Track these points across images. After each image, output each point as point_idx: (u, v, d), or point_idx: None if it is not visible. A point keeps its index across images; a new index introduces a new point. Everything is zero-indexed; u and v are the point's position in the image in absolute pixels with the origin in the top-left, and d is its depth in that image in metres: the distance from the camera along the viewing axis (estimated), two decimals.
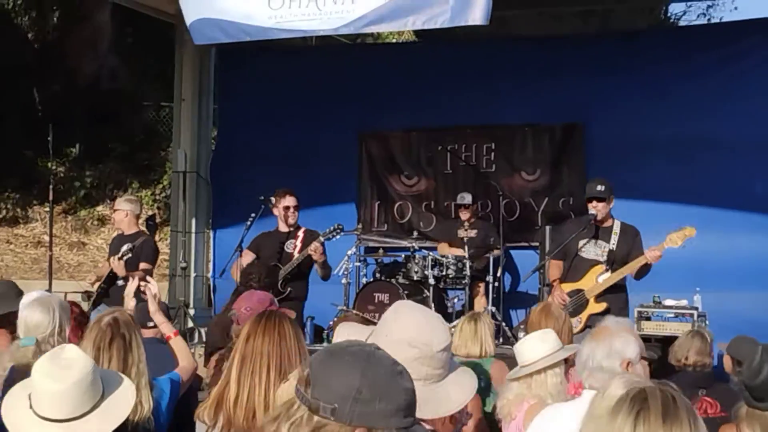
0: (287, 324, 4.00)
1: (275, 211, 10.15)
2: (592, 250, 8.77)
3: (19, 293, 6.48)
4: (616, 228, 8.74)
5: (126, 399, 3.44)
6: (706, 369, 6.66)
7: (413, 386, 2.24)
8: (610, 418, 2.37)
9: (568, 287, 8.67)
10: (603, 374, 3.99)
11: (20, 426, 3.24)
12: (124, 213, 10.48)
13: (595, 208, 8.73)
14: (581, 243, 8.83)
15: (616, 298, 8.61)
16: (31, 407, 3.23)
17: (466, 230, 11.41)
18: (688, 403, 2.44)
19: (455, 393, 2.58)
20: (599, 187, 8.73)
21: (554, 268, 9.01)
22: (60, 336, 5.12)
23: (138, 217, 10.67)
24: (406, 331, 2.54)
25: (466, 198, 11.75)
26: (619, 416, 2.38)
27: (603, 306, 8.45)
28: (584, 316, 8.47)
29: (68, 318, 5.29)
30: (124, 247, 9.94)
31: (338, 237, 9.40)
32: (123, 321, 4.58)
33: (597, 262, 8.68)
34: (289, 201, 9.82)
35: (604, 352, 4.10)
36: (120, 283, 9.96)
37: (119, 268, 9.89)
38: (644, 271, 8.59)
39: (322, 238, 9.29)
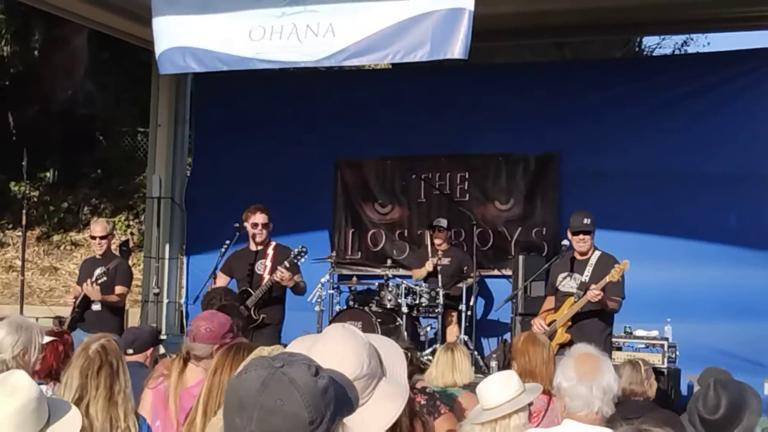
0: None
1: (247, 228, 9.71)
2: (568, 283, 8.84)
3: None
4: (593, 259, 8.78)
5: (72, 427, 3.42)
6: (637, 397, 6.69)
7: (325, 370, 2.17)
8: None
9: (550, 318, 8.80)
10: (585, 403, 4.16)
11: None
12: (111, 237, 10.48)
13: (583, 242, 8.79)
14: (560, 277, 8.90)
15: (590, 325, 8.63)
16: None
17: (439, 258, 11.46)
18: None
19: (370, 423, 2.54)
20: (586, 221, 8.79)
21: (546, 302, 9.16)
22: (23, 359, 5.05)
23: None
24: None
25: (442, 222, 11.81)
26: None
27: (567, 337, 8.55)
28: (553, 345, 8.54)
29: (39, 344, 5.23)
30: (98, 271, 9.90)
31: (303, 260, 9.23)
32: (111, 349, 4.57)
33: (570, 294, 8.74)
34: (258, 218, 9.48)
35: (600, 388, 4.19)
36: (95, 307, 9.91)
37: (94, 293, 9.82)
38: (608, 305, 8.62)
39: (287, 263, 9.09)
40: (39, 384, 4.28)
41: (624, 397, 6.62)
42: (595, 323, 8.63)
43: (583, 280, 8.65)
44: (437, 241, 11.75)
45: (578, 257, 8.85)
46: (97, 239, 10.36)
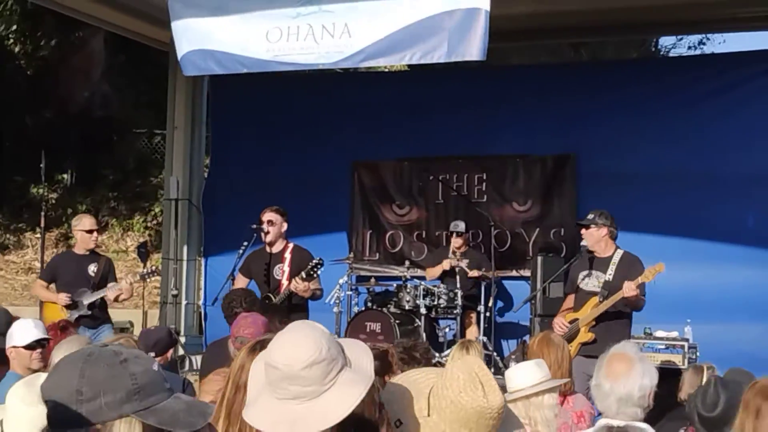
0: None
1: None
2: (590, 281, 8.81)
3: (9, 322, 6.48)
4: (616, 258, 8.75)
5: None
6: None
7: (146, 366, 2.30)
8: None
9: (570, 317, 8.78)
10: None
11: None
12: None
13: (583, 236, 8.82)
14: (581, 275, 8.88)
15: (614, 326, 8.60)
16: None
17: (457, 259, 11.45)
18: None
19: (333, 407, 2.54)
20: (589, 216, 8.81)
21: (567, 301, 9.15)
22: None
23: None
24: (271, 352, 2.54)
25: (460, 226, 11.79)
26: None
27: (591, 336, 8.52)
28: (575, 344, 8.52)
29: None
30: (93, 268, 9.96)
31: (320, 272, 9.17)
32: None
33: (594, 293, 8.72)
34: (266, 216, 9.48)
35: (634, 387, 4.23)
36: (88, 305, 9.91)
37: (128, 292, 9.95)
38: (636, 303, 8.58)
39: (303, 274, 9.04)
40: None
41: (684, 401, 6.61)
42: (618, 323, 8.60)
43: (607, 279, 8.61)
44: (455, 244, 11.74)
45: (598, 255, 8.83)
46: (94, 233, 10.24)
